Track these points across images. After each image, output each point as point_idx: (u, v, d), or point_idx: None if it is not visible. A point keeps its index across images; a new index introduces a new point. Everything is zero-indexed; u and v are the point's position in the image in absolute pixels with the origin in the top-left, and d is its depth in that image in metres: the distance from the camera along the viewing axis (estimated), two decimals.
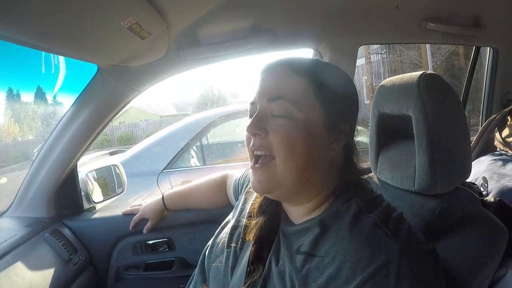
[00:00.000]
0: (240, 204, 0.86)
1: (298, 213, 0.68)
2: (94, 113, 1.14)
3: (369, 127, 0.97)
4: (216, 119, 3.04)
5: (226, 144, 3.39)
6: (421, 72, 0.80)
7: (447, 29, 1.33)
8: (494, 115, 1.49)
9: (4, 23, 0.62)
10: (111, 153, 2.76)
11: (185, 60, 1.11)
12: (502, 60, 1.63)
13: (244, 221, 0.77)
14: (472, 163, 1.35)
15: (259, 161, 0.64)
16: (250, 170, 0.67)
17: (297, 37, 1.28)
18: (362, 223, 0.58)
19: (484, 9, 1.38)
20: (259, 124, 0.63)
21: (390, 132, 0.94)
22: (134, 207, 1.32)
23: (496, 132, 1.47)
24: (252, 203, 0.77)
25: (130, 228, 1.26)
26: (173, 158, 2.79)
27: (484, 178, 1.12)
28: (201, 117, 3.14)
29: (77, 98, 1.12)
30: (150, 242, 1.34)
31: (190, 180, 2.70)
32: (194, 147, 3.06)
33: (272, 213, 0.72)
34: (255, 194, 0.78)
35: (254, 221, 0.73)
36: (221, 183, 1.19)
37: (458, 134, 0.78)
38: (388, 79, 0.91)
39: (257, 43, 1.14)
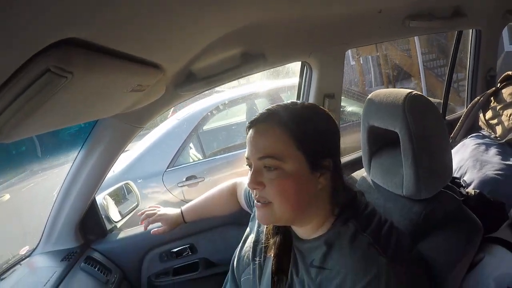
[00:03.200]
0: (256, 220, 1.01)
1: (305, 231, 0.84)
2: (104, 153, 1.24)
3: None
4: (209, 112, 3.16)
5: (220, 129, 3.54)
6: (406, 92, 0.90)
7: (429, 24, 1.39)
8: (478, 97, 1.60)
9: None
10: None
11: (183, 94, 1.19)
12: (484, 39, 1.71)
13: (263, 237, 0.94)
14: (457, 147, 1.51)
15: (260, 202, 0.80)
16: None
17: (286, 55, 1.36)
18: (359, 242, 0.75)
19: None
20: (256, 180, 0.79)
21: (380, 141, 1.07)
22: (148, 212, 1.38)
23: (481, 113, 1.59)
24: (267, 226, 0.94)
25: (151, 233, 1.34)
26: (174, 157, 2.93)
27: (464, 181, 1.25)
28: (195, 112, 3.22)
29: (85, 141, 1.23)
30: (175, 249, 1.50)
31: (195, 175, 2.85)
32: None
33: (284, 232, 0.88)
34: None
35: (271, 241, 0.89)
36: (232, 192, 1.32)
37: (439, 147, 0.92)
38: (375, 93, 1.01)
39: (250, 68, 1.22)
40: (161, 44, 0.84)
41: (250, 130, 0.83)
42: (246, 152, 0.82)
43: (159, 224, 1.37)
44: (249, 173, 0.82)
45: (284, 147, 0.77)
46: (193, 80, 1.14)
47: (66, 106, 0.72)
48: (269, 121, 0.80)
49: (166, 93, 1.12)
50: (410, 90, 0.92)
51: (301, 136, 0.78)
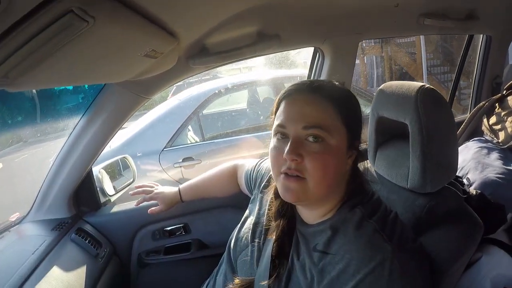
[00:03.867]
0: (258, 201, 1.00)
1: (312, 215, 0.82)
2: (107, 121, 1.21)
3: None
4: (210, 96, 3.14)
5: (221, 114, 3.52)
6: (419, 85, 0.90)
7: (443, 23, 1.40)
8: (483, 102, 1.61)
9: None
10: None
11: (195, 67, 1.17)
12: (494, 46, 1.72)
13: (264, 220, 0.92)
14: (460, 148, 1.51)
15: (292, 175, 0.74)
16: (281, 180, 0.76)
17: (301, 38, 1.35)
18: (364, 228, 0.73)
19: (479, 2, 1.45)
20: (296, 150, 0.72)
21: (388, 132, 1.06)
22: (145, 188, 1.36)
23: (485, 118, 1.60)
24: (269, 206, 0.91)
25: (148, 212, 1.33)
26: (172, 137, 2.90)
27: (468, 179, 1.26)
28: (197, 93, 3.20)
29: (88, 107, 1.19)
30: (168, 228, 1.48)
31: (192, 157, 2.84)
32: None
33: (289, 215, 0.86)
34: (271, 195, 0.91)
35: (275, 223, 0.87)
36: (232, 174, 1.30)
37: (448, 142, 0.91)
38: (387, 84, 1.00)
39: (264, 48, 1.20)
40: (181, 9, 0.82)
41: (289, 99, 0.78)
42: (280, 120, 0.77)
43: (155, 202, 1.35)
44: (273, 141, 0.78)
45: (332, 120, 0.74)
46: (206, 53, 1.12)
47: (78, 60, 0.69)
48: (317, 92, 0.76)
49: (178, 64, 1.09)
50: (423, 83, 0.91)
51: (346, 112, 0.76)
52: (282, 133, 0.76)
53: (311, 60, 1.54)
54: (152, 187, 1.36)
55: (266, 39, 1.18)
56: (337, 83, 0.83)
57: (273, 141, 0.78)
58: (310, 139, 0.73)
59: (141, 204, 1.39)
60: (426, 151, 0.87)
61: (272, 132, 0.80)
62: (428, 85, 0.90)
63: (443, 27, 1.46)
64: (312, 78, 1.53)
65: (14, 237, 1.25)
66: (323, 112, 0.74)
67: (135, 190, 1.35)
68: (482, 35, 1.79)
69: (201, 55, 1.12)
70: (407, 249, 0.72)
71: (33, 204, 1.34)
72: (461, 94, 3.76)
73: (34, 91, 1.80)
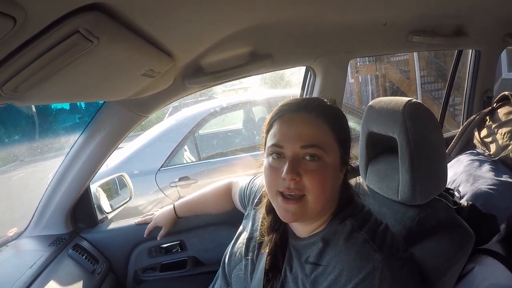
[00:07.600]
0: (251, 218, 1.04)
1: (305, 229, 0.86)
2: (105, 138, 1.27)
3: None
4: (206, 116, 3.23)
5: (217, 134, 3.60)
6: (406, 100, 0.95)
7: (432, 40, 1.47)
8: (474, 116, 1.67)
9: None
10: None
11: (190, 87, 1.24)
12: (484, 60, 1.80)
13: (257, 235, 0.96)
14: (452, 161, 1.56)
15: (291, 197, 0.78)
16: (279, 202, 0.79)
17: (293, 58, 1.42)
18: (355, 239, 0.77)
19: (466, 18, 1.52)
20: (295, 170, 0.76)
21: (378, 147, 1.11)
22: (146, 217, 1.47)
23: (476, 132, 1.65)
24: (262, 222, 0.95)
25: (144, 236, 1.42)
26: (168, 157, 2.96)
27: (458, 191, 1.30)
28: (193, 114, 3.29)
29: (87, 125, 1.25)
30: (164, 245, 1.52)
31: (188, 177, 2.88)
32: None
33: (282, 230, 0.90)
34: (263, 211, 0.95)
35: (267, 238, 0.91)
36: (226, 191, 1.36)
37: (435, 155, 0.95)
38: (376, 100, 1.05)
39: (257, 68, 1.27)
40: (177, 31, 0.89)
41: (284, 118, 0.82)
42: (276, 139, 0.80)
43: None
44: (268, 161, 0.81)
45: (328, 139, 0.79)
46: (201, 73, 1.19)
47: (82, 78, 0.76)
48: (311, 111, 0.81)
49: (174, 84, 1.16)
50: (410, 98, 0.95)
51: (339, 130, 0.81)
52: (277, 153, 0.80)
53: (303, 79, 1.60)
54: (151, 217, 1.46)
55: (258, 59, 1.25)
56: (327, 100, 0.87)
57: (267, 161, 0.82)
58: (308, 157, 0.77)
59: (137, 224, 1.47)
60: (415, 163, 0.90)
61: (265, 151, 0.84)
62: (415, 100, 0.94)
63: (432, 44, 1.54)
64: (304, 96, 1.59)
65: (12, 252, 1.28)
66: (319, 131, 0.79)
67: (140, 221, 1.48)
68: (471, 50, 1.87)
69: (196, 75, 1.18)
70: (397, 258, 0.75)
71: (31, 219, 1.38)
72: (455, 110, 3.83)
73: (34, 109, 1.87)
